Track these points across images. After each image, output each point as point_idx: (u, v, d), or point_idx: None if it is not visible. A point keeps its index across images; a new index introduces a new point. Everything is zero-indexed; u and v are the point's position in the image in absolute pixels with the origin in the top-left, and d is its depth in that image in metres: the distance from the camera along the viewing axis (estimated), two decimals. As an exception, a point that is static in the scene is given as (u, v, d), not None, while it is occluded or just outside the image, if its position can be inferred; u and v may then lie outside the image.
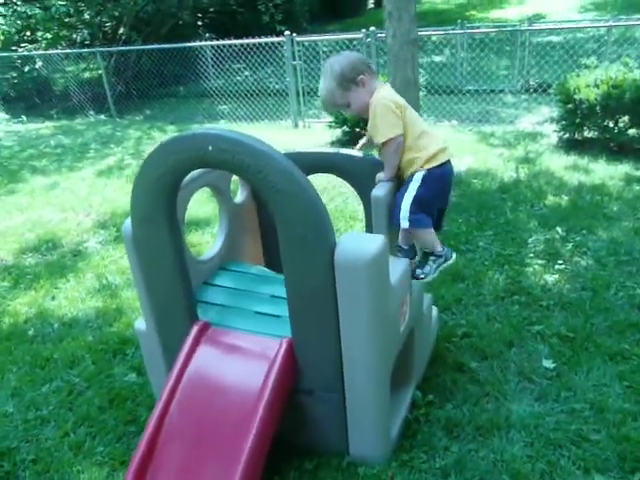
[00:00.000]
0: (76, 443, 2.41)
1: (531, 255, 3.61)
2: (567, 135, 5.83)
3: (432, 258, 2.34)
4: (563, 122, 5.78)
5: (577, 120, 5.58)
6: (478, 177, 5.07)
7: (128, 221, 2.13)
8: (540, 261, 3.52)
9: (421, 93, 6.59)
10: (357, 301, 1.90)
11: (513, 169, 5.24)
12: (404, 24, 4.36)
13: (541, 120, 6.86)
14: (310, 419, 2.19)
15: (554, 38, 9.84)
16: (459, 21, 8.84)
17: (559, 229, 3.90)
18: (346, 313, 1.93)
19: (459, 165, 5.43)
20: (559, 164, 5.26)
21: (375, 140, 2.25)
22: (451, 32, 8.68)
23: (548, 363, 2.61)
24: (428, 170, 2.23)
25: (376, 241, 1.90)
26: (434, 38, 10.06)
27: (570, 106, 5.57)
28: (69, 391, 2.75)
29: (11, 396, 2.76)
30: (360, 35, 7.67)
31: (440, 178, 2.28)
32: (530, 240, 3.80)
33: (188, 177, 2.27)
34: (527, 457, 2.12)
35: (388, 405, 2.15)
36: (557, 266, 3.44)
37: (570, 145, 5.73)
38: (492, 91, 8.10)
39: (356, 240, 1.92)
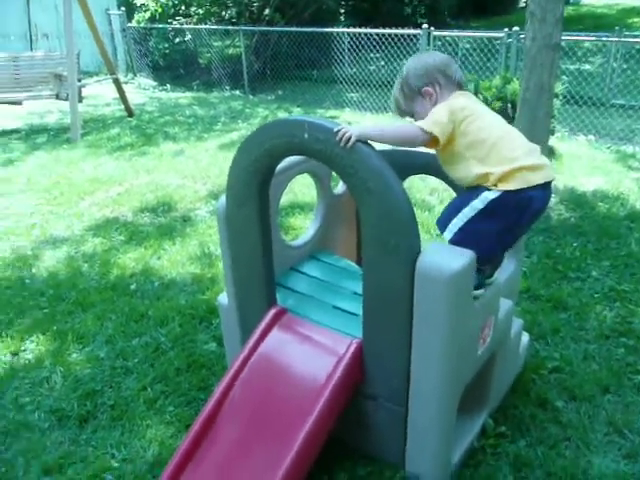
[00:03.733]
0: (151, 398, 2.56)
1: (651, 296, 3.23)
2: None
3: None
4: None
5: None
6: (605, 200, 4.62)
7: (223, 198, 2.19)
8: (660, 304, 3.14)
9: (558, 102, 6.13)
10: (434, 316, 1.80)
11: (649, 197, 4.72)
12: (547, 26, 4.04)
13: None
14: (371, 425, 2.14)
15: None
16: (617, 28, 8.05)
17: (690, 272, 3.46)
18: (421, 326, 1.85)
19: (586, 185, 5.00)
20: None
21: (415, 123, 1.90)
22: (604, 39, 7.94)
23: (646, 420, 2.33)
24: (503, 192, 1.79)
25: (463, 256, 1.79)
26: (586, 45, 9.29)
27: None
28: (155, 348, 2.92)
29: (105, 342, 2.99)
30: (501, 34, 7.29)
31: (517, 206, 1.82)
32: (653, 278, 3.41)
33: (288, 162, 2.30)
34: (601, 519, 1.92)
35: (452, 428, 2.04)
36: (680, 313, 3.06)
37: None
38: (642, 108, 7.34)
39: (442, 252, 1.82)
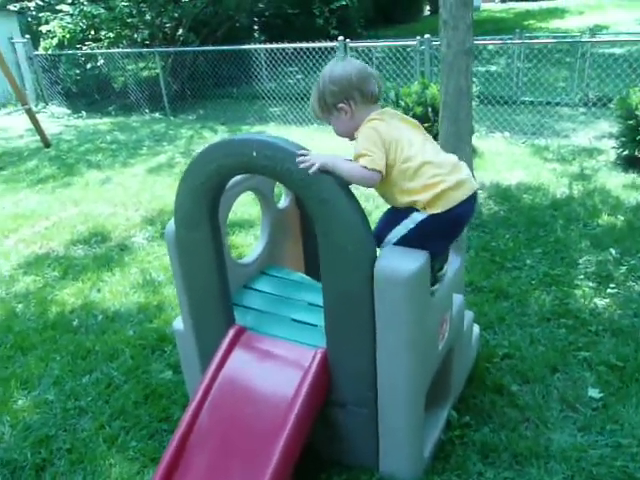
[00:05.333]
0: (110, 436, 2.45)
1: (581, 277, 3.46)
2: (626, 152, 5.57)
3: None
4: (623, 138, 5.54)
5: (638, 137, 5.33)
6: (529, 192, 4.91)
7: (171, 222, 2.15)
8: (591, 283, 3.37)
9: (474, 103, 6.45)
10: (395, 317, 1.85)
11: (566, 185, 5.05)
12: (459, 33, 4.27)
13: (599, 135, 6.61)
14: (341, 432, 2.16)
15: (617, 50, 9.46)
16: (517, 30, 8.61)
17: (613, 251, 3.73)
18: (383, 328, 1.89)
19: (509, 179, 5.29)
20: (616, 182, 5.04)
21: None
22: (509, 42, 8.47)
23: (594, 392, 2.49)
24: (430, 215, 1.87)
25: (418, 256, 1.85)
26: (490, 47, 9.86)
27: (631, 122, 5.33)
28: (107, 384, 2.81)
29: (53, 384, 2.84)
30: (414, 42, 7.59)
31: (446, 224, 1.91)
32: (581, 261, 3.65)
33: (232, 181, 2.28)
34: (566, 491, 2.03)
35: (422, 424, 2.10)
36: (609, 290, 3.29)
37: (629, 163, 5.49)
38: (548, 103, 7.86)
39: (398, 254, 1.87)
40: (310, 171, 1.76)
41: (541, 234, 4.08)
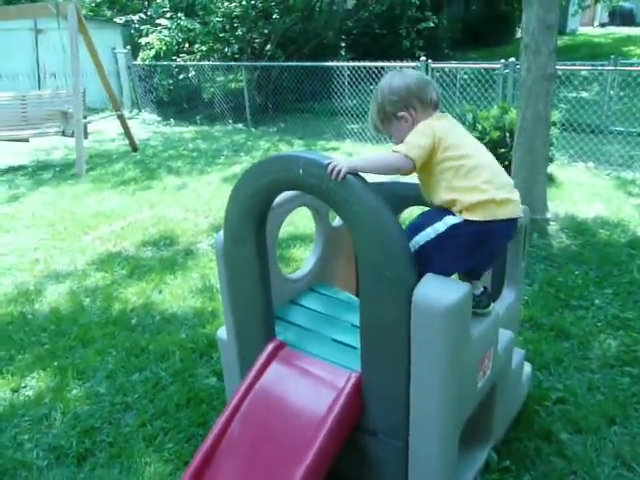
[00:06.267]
0: (150, 435, 2.53)
1: (655, 323, 3.20)
2: None
3: None
4: None
5: None
6: (606, 227, 4.62)
7: (221, 233, 2.21)
8: (665, 332, 3.11)
9: (557, 130, 6.19)
10: (431, 348, 1.79)
11: (650, 223, 4.71)
12: (541, 58, 4.12)
13: (695, 172, 6.12)
14: (371, 462, 2.10)
15: None
16: (612, 56, 8.17)
17: (694, 298, 3.43)
18: (419, 359, 1.83)
19: (586, 212, 5.00)
20: None
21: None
22: (599, 68, 8.06)
23: (654, 452, 2.29)
24: (464, 220, 1.82)
25: (460, 288, 1.79)
26: (583, 73, 9.43)
27: None
28: (155, 383, 2.91)
29: (105, 378, 2.98)
30: (498, 65, 7.41)
31: (477, 235, 1.83)
32: (657, 306, 3.38)
33: (286, 196, 2.32)
34: None
35: (454, 461, 2.01)
36: (685, 340, 3.02)
37: None
38: (641, 134, 7.39)
39: (438, 284, 1.81)
40: (338, 177, 1.75)
41: (614, 273, 3.82)
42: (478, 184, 1.81)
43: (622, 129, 7.65)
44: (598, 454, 2.30)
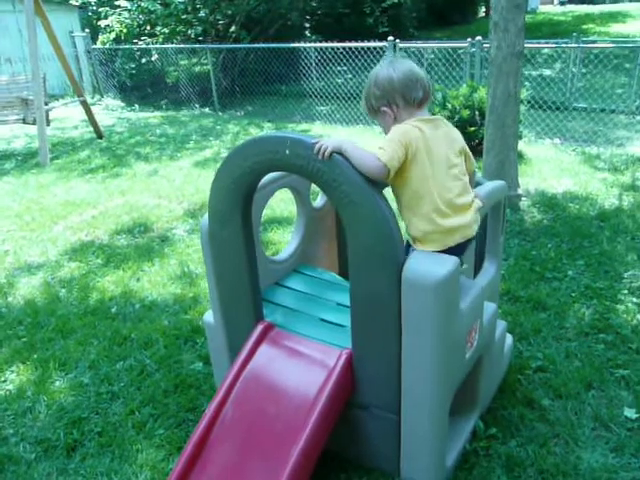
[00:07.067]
0: (139, 422, 2.52)
1: (625, 291, 3.32)
2: (684, 164, 5.33)
3: None
4: (681, 149, 5.29)
5: (697, 148, 5.09)
6: (575, 201, 4.75)
7: (206, 217, 2.19)
8: (635, 299, 3.23)
9: (524, 107, 6.30)
10: (422, 322, 1.83)
11: (616, 196, 4.86)
12: (510, 36, 4.17)
13: (656, 145, 6.33)
14: (363, 435, 2.15)
15: (682, 57, 9.03)
16: (574, 34, 8.33)
17: (661, 266, 3.57)
18: (409, 333, 1.87)
19: (556, 187, 5.13)
20: (671, 195, 4.82)
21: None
22: (563, 45, 8.21)
23: (630, 412, 2.39)
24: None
25: (448, 262, 1.82)
26: (545, 51, 9.59)
27: (691, 133, 5.09)
28: (140, 371, 2.88)
29: (89, 368, 2.94)
30: (465, 44, 7.47)
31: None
32: (626, 275, 3.50)
33: (268, 178, 2.31)
34: (593, 513, 1.96)
35: (445, 432, 2.06)
36: (654, 306, 3.16)
37: (686, 175, 5.24)
38: (603, 110, 7.58)
39: (427, 259, 1.85)
40: (325, 154, 1.77)
41: (585, 245, 3.94)
42: (428, 212, 1.87)
43: (585, 105, 7.83)
44: (578, 417, 2.39)
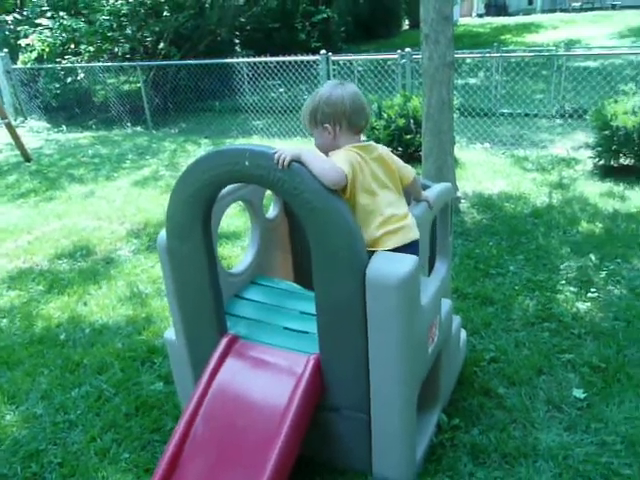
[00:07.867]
0: (102, 449, 2.44)
1: (563, 282, 3.55)
2: (602, 162, 5.74)
3: None
4: (599, 148, 5.70)
5: (613, 147, 5.50)
6: (510, 201, 5.02)
7: (163, 232, 2.17)
8: (572, 288, 3.46)
9: (455, 115, 6.57)
10: (387, 321, 1.90)
11: (546, 194, 5.18)
12: (441, 47, 4.38)
13: (576, 146, 6.77)
14: (335, 436, 2.18)
15: (591, 64, 9.73)
16: (495, 44, 8.82)
17: (592, 256, 3.83)
18: (375, 332, 1.93)
19: (491, 188, 5.40)
20: (594, 191, 5.18)
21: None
22: (487, 55, 8.67)
23: (578, 393, 2.55)
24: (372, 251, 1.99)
25: (408, 261, 1.90)
26: (469, 61, 10.08)
27: (606, 132, 5.49)
28: (97, 396, 2.79)
29: (41, 399, 2.82)
30: (395, 56, 7.73)
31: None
32: (562, 267, 3.74)
33: (223, 191, 2.32)
34: (555, 489, 2.08)
35: (414, 427, 2.13)
36: (590, 294, 3.38)
37: (605, 172, 5.65)
38: (527, 115, 8.03)
39: (388, 260, 1.92)
40: (284, 164, 1.81)
41: (523, 241, 4.17)
42: (374, 227, 2.00)
43: (510, 111, 8.28)
44: (532, 402, 2.53)
